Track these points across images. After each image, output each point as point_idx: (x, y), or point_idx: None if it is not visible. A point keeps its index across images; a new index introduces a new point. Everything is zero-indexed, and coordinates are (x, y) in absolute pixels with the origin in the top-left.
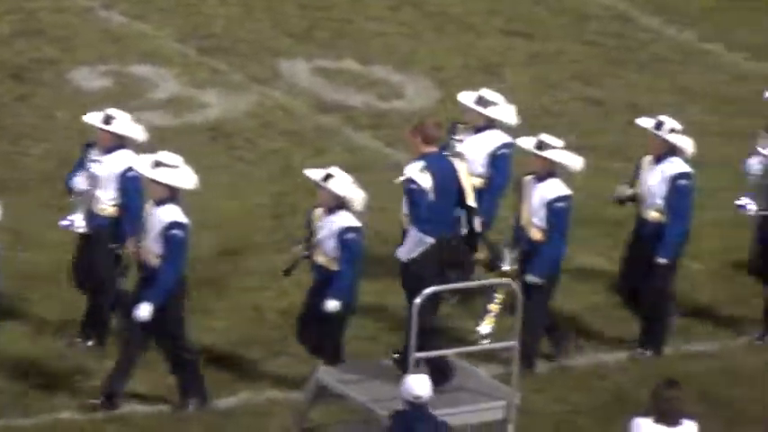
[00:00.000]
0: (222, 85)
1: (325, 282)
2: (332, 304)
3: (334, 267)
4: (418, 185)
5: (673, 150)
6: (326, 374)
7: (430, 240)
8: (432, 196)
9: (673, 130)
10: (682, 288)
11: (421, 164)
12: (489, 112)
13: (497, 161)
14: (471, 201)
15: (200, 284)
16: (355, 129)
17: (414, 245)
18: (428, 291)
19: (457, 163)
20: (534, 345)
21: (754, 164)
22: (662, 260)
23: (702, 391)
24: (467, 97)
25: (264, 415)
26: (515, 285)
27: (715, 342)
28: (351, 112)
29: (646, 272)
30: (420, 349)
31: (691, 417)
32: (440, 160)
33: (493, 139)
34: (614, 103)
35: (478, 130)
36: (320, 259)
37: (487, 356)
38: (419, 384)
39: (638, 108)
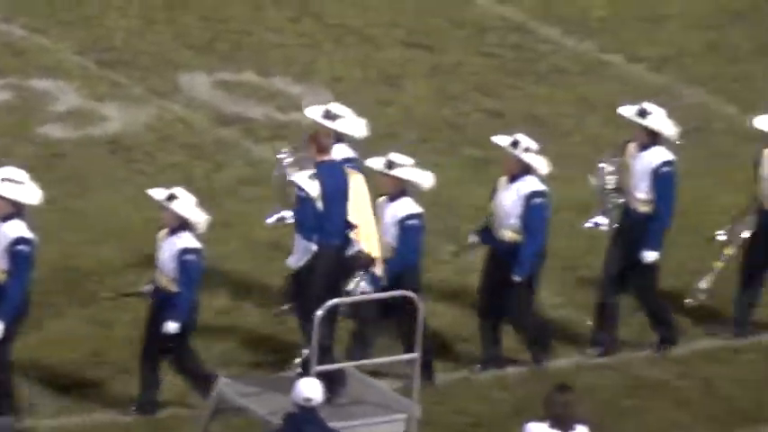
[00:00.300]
0: (122, 98)
1: (164, 303)
2: (171, 326)
3: (174, 289)
4: (305, 192)
5: (527, 169)
6: (227, 388)
7: (313, 248)
8: (320, 205)
9: (528, 149)
10: (583, 300)
11: (311, 171)
12: (336, 126)
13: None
14: (352, 215)
15: (101, 297)
16: (255, 141)
17: (300, 253)
18: (330, 303)
19: (352, 175)
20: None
21: (594, 180)
22: (517, 278)
23: (604, 402)
24: (314, 111)
25: (166, 429)
26: (416, 297)
27: (615, 354)
28: (251, 124)
29: (504, 291)
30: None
31: (583, 421)
32: (333, 169)
33: (337, 154)
34: (514, 115)
35: None
36: (161, 280)
37: (387, 369)
38: (310, 388)
39: (537, 119)
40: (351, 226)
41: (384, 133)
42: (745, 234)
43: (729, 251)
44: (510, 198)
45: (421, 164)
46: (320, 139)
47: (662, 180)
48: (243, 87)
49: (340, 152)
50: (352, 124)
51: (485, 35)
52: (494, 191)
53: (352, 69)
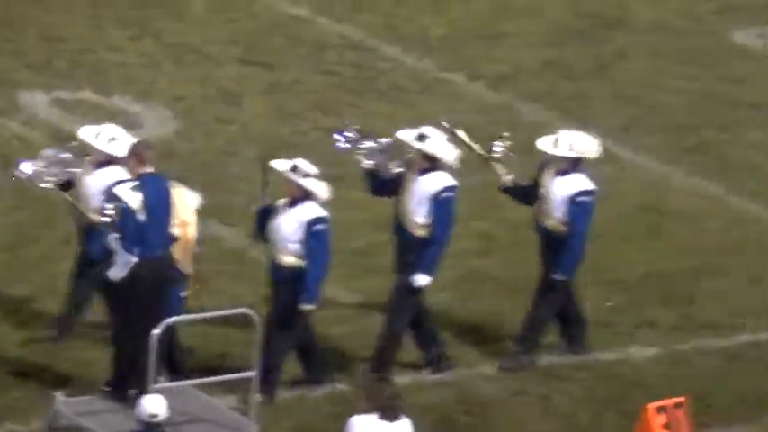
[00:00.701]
0: None
1: None
2: None
3: None
4: (126, 205)
5: (308, 195)
6: (65, 406)
7: (133, 259)
8: (142, 217)
9: (307, 175)
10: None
11: (132, 184)
12: (108, 148)
13: (110, 198)
14: (174, 228)
15: None
16: None
17: (121, 265)
18: (169, 321)
19: (174, 188)
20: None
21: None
22: (306, 306)
23: (441, 420)
24: (87, 132)
25: None
26: (254, 314)
27: (454, 371)
28: None
29: (287, 317)
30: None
31: (405, 414)
32: (155, 182)
33: (111, 176)
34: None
35: (99, 165)
36: None
37: (227, 387)
38: (154, 404)
39: (377, 137)
40: (173, 239)
41: (223, 151)
42: None
43: None
44: (290, 224)
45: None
46: (140, 151)
47: (441, 205)
48: (82, 106)
49: (113, 175)
50: (127, 146)
51: (324, 53)
52: (274, 212)
53: (191, 87)
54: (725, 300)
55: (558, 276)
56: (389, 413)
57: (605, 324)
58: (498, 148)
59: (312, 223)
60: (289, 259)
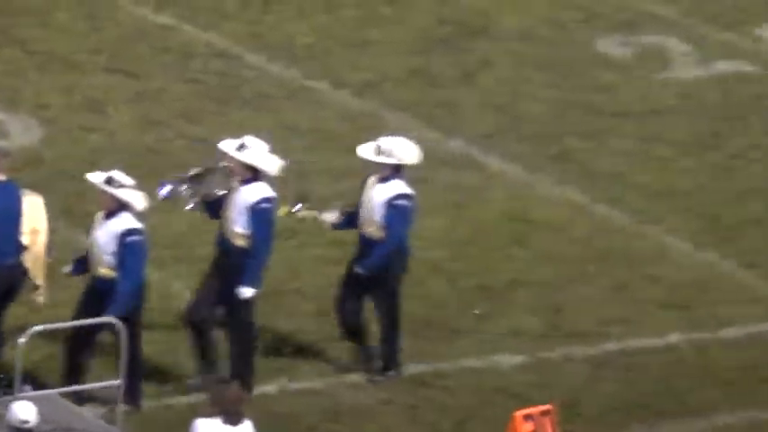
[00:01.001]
0: None
1: None
2: None
3: None
4: None
5: (124, 206)
6: None
7: None
8: None
9: (122, 186)
10: (287, 326)
11: None
12: None
13: None
14: (23, 236)
15: None
16: None
17: None
18: (34, 329)
19: (27, 196)
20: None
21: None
22: (110, 316)
23: (307, 429)
24: None
25: None
26: (120, 324)
27: (320, 380)
28: None
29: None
30: None
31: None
32: (5, 189)
33: None
34: (218, 141)
35: None
36: None
37: (91, 395)
38: (24, 409)
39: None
40: (22, 247)
41: (87, 160)
42: None
43: None
44: (104, 235)
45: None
46: None
47: (258, 216)
48: None
49: None
50: None
51: (189, 61)
52: (91, 227)
53: (56, 96)
54: (591, 308)
55: (360, 269)
56: (233, 416)
57: (472, 331)
58: (300, 213)
59: (125, 234)
60: (104, 270)
